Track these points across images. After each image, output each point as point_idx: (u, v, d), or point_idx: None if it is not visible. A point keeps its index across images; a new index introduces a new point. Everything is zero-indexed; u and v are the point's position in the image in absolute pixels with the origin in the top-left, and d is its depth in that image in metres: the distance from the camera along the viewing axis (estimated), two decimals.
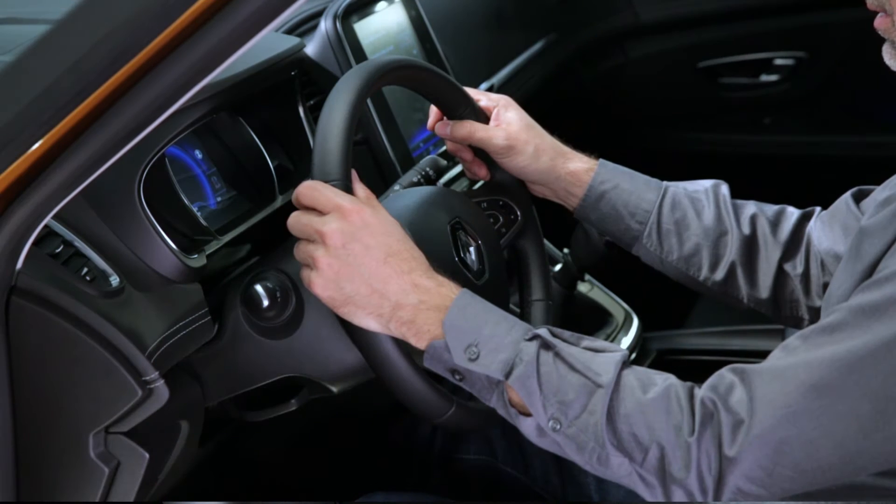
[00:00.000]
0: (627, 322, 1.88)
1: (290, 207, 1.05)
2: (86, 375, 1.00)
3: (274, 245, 1.21)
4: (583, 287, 1.86)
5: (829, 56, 2.42)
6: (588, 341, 1.03)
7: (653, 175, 1.33)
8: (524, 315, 1.33)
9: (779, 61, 2.48)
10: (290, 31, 1.56)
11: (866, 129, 2.48)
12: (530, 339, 1.00)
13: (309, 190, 1.02)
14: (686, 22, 2.49)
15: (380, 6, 1.62)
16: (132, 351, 1.00)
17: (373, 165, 1.53)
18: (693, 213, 1.30)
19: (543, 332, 1.01)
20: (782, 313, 1.31)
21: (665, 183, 1.33)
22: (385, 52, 1.59)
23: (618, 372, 0.98)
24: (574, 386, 0.98)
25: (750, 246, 1.29)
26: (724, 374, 0.98)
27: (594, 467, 0.99)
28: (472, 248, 1.21)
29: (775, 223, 1.30)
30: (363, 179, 1.07)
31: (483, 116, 1.30)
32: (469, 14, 1.99)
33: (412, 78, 1.23)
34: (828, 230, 1.26)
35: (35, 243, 0.94)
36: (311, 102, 1.42)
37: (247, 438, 1.46)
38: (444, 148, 1.39)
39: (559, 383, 0.98)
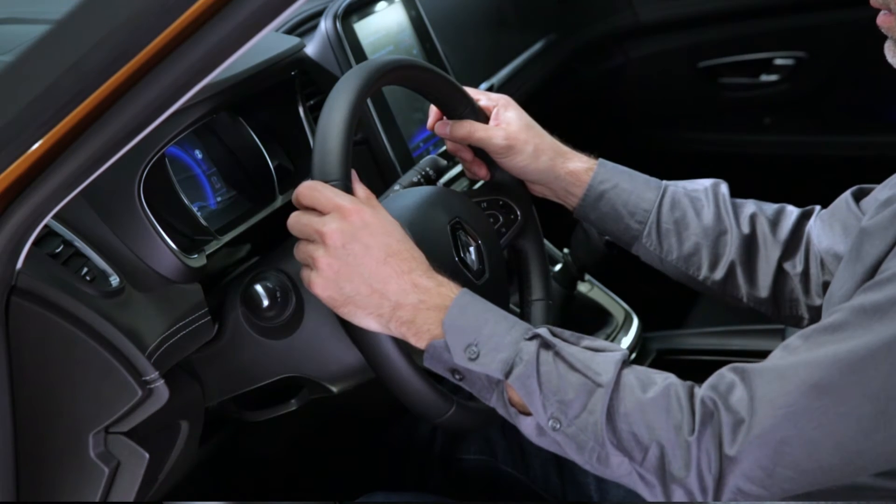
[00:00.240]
0: (627, 322, 1.88)
1: (290, 207, 1.05)
2: (86, 375, 1.00)
3: (274, 245, 1.21)
4: (583, 287, 1.86)
5: (829, 56, 2.42)
6: (588, 341, 1.03)
7: (653, 175, 1.33)
8: (524, 315, 1.33)
9: (779, 61, 2.48)
10: (290, 31, 1.56)
11: (866, 129, 2.48)
12: (530, 339, 1.00)
13: (309, 190, 1.02)
14: (686, 22, 2.49)
15: (380, 6, 1.62)
16: (132, 351, 1.00)
17: (373, 165, 1.53)
18: (692, 213, 1.30)
19: (543, 331, 1.01)
20: (782, 312, 1.31)
21: (664, 182, 1.33)
22: (385, 52, 1.59)
23: (618, 371, 0.98)
24: (574, 385, 0.98)
25: (749, 245, 1.29)
26: (725, 374, 0.97)
27: (594, 467, 0.99)
28: (472, 248, 1.21)
29: (775, 222, 1.30)
30: (363, 179, 1.07)
31: (483, 116, 1.30)
32: (469, 14, 1.99)
33: (412, 78, 1.23)
34: (827, 229, 1.26)
35: (35, 243, 0.94)
36: (311, 102, 1.42)
37: (247, 438, 1.46)
38: (444, 148, 1.39)
39: (559, 382, 0.98)
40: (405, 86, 1.25)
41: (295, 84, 1.39)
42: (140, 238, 1.08)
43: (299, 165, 1.36)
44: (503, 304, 1.29)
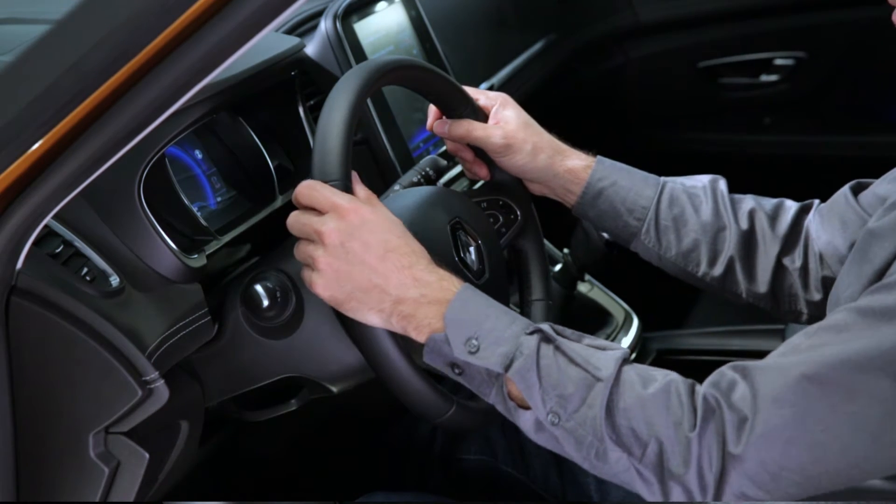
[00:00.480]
0: (627, 322, 1.88)
1: (290, 207, 1.05)
2: (86, 375, 1.00)
3: (274, 245, 1.21)
4: (583, 287, 1.86)
5: (829, 56, 2.42)
6: (589, 339, 1.02)
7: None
8: (524, 315, 1.33)
9: (779, 61, 2.48)
10: (290, 31, 1.56)
11: (866, 129, 2.48)
12: (531, 333, 1.00)
13: (307, 189, 1.02)
14: (686, 22, 2.49)
15: (380, 6, 1.62)
16: (132, 351, 1.00)
17: (373, 165, 1.53)
18: (691, 209, 1.30)
19: (545, 326, 1.01)
20: (781, 307, 1.31)
21: (663, 179, 1.33)
22: (385, 52, 1.59)
23: (618, 367, 0.97)
24: (573, 379, 0.97)
25: (748, 241, 1.29)
26: (725, 372, 0.97)
27: (592, 464, 0.98)
28: (471, 248, 1.21)
29: (773, 217, 1.30)
30: (363, 179, 1.07)
31: (482, 115, 1.30)
32: (469, 14, 1.99)
33: (412, 78, 1.23)
34: (826, 224, 1.26)
35: (35, 243, 0.94)
36: (311, 102, 1.42)
37: (247, 438, 1.46)
38: (444, 148, 1.39)
39: (559, 377, 0.98)
40: (405, 86, 1.25)
41: (295, 84, 1.39)
42: (140, 238, 1.08)
43: (299, 165, 1.36)
44: (503, 304, 1.29)
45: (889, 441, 0.90)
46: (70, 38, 0.88)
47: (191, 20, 0.84)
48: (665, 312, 2.01)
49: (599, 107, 2.63)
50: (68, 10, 0.87)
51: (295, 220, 1.04)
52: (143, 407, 1.01)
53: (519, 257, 1.35)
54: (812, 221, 1.29)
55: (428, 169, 1.38)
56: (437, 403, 1.09)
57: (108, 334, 1.00)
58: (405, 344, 1.08)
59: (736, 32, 2.48)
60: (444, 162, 1.41)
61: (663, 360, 1.87)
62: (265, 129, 1.35)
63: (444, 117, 1.30)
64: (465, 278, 1.17)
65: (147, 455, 1.03)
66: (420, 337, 1.02)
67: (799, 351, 0.94)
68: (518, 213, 1.32)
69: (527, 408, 1.00)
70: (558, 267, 1.78)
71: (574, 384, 0.97)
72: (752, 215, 1.30)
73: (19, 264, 0.94)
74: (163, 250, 1.09)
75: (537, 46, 2.20)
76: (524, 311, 1.34)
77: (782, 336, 1.67)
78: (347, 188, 1.05)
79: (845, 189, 1.26)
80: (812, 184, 1.39)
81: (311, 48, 1.50)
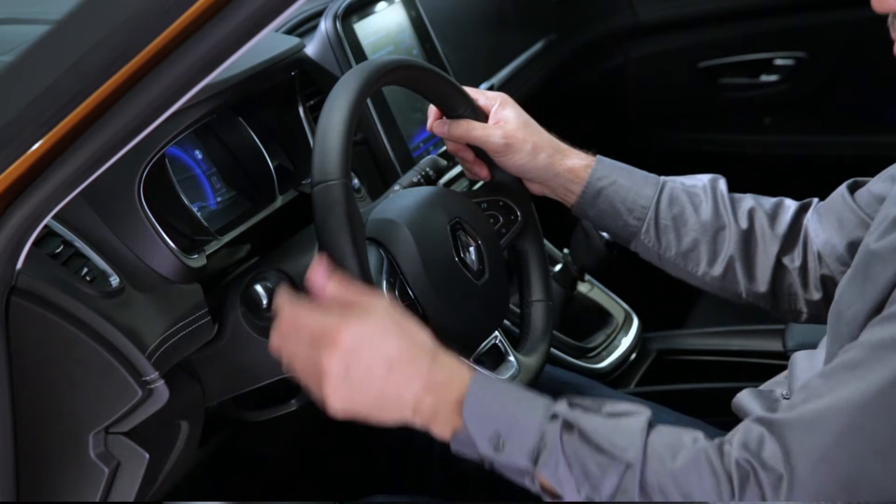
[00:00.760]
0: (627, 322, 1.88)
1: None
2: (86, 375, 1.00)
3: (274, 245, 1.21)
4: (583, 287, 1.87)
5: (829, 56, 2.42)
6: (609, 405, 0.99)
7: None
8: (524, 315, 1.33)
9: (779, 61, 2.48)
10: (290, 31, 1.56)
11: (866, 129, 2.47)
12: (552, 419, 0.97)
13: (291, 318, 0.99)
14: (686, 22, 2.49)
15: (380, 6, 1.62)
16: (132, 351, 1.00)
17: (373, 165, 1.53)
18: (691, 209, 1.30)
19: (563, 408, 0.97)
20: (780, 307, 1.31)
21: (663, 178, 1.33)
22: (385, 52, 1.59)
23: (644, 442, 0.95)
24: (603, 466, 0.95)
25: (748, 240, 1.29)
26: (752, 427, 0.95)
27: None
28: (471, 248, 1.21)
29: (773, 216, 1.30)
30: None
31: (483, 116, 1.30)
32: (469, 14, 1.99)
33: (412, 78, 1.23)
34: (824, 223, 1.26)
35: (35, 243, 0.94)
36: (311, 102, 1.42)
37: (247, 438, 1.46)
38: (444, 148, 1.39)
39: (587, 465, 0.96)
40: (405, 86, 1.25)
41: (295, 84, 1.39)
42: (140, 238, 1.08)
43: (299, 165, 1.36)
44: (503, 304, 1.30)
45: None
46: (70, 38, 0.88)
47: (191, 20, 0.84)
48: (665, 312, 2.01)
49: (599, 107, 2.63)
50: (68, 10, 0.87)
51: (293, 358, 0.99)
52: (143, 407, 1.01)
53: (519, 258, 1.35)
54: (810, 220, 1.29)
55: (428, 169, 1.38)
56: None
57: (108, 334, 1.00)
58: None
59: (736, 32, 2.48)
60: (444, 162, 1.41)
61: (663, 360, 1.87)
62: (265, 129, 1.35)
63: (443, 117, 1.30)
64: (465, 278, 1.18)
65: (147, 455, 1.03)
66: (445, 435, 1.00)
67: (819, 396, 0.93)
68: (518, 213, 1.32)
69: (560, 497, 0.98)
70: (558, 267, 1.78)
71: (603, 470, 0.95)
72: (751, 214, 1.30)
73: (19, 264, 0.94)
74: (163, 250, 1.09)
75: (537, 46, 2.20)
76: (524, 311, 1.34)
77: (782, 336, 1.67)
78: (348, 187, 1.05)
79: (842, 188, 1.26)
80: (812, 184, 1.39)
81: (311, 48, 1.50)
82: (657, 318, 1.94)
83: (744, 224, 1.29)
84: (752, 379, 1.32)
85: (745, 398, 1.20)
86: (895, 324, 0.92)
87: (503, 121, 1.28)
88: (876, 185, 1.22)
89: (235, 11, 0.84)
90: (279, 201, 1.31)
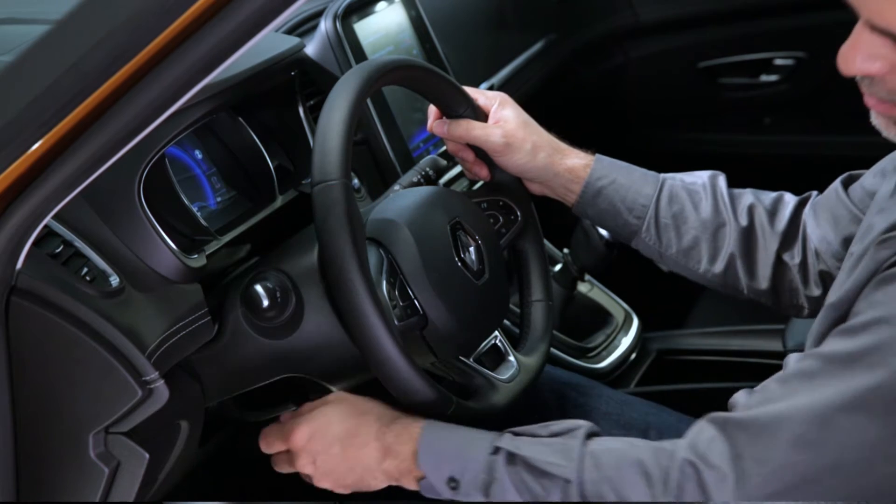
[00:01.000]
0: (627, 322, 1.88)
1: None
2: (86, 375, 1.00)
3: (274, 245, 1.21)
4: (583, 287, 1.86)
5: (829, 56, 2.41)
6: (555, 425, 1.08)
7: None
8: (524, 315, 1.33)
9: (779, 61, 2.47)
10: (290, 31, 1.56)
11: (866, 129, 2.47)
12: (495, 453, 1.06)
13: (264, 444, 1.19)
14: (686, 22, 2.48)
15: (380, 6, 1.62)
16: (132, 351, 1.00)
17: (373, 165, 1.53)
18: (690, 207, 1.30)
19: (505, 441, 1.06)
20: (782, 303, 1.31)
21: (662, 175, 1.33)
22: (385, 52, 1.59)
23: (581, 455, 1.03)
24: (546, 486, 1.04)
25: (748, 237, 1.30)
26: (704, 428, 0.99)
27: None
28: (471, 248, 1.21)
29: (773, 212, 1.31)
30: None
31: (483, 116, 1.30)
32: (469, 14, 1.99)
33: (412, 78, 1.23)
34: (820, 220, 1.27)
35: (35, 243, 0.94)
36: (311, 102, 1.42)
37: (247, 438, 1.46)
38: (444, 148, 1.39)
39: (533, 488, 1.04)
40: (405, 86, 1.25)
41: (295, 84, 1.39)
42: (140, 238, 1.08)
43: (299, 165, 1.36)
44: (503, 304, 1.30)
45: (866, 483, 0.92)
46: (70, 38, 0.88)
47: (191, 20, 0.84)
48: (665, 312, 2.01)
49: (599, 107, 2.63)
50: (68, 10, 0.87)
51: (281, 465, 1.20)
52: (143, 407, 1.01)
53: (519, 258, 1.35)
54: (808, 217, 1.29)
55: (428, 169, 1.38)
56: (437, 403, 1.09)
57: (108, 334, 0.99)
58: (405, 344, 1.08)
59: (736, 32, 2.47)
60: (444, 162, 1.41)
61: (663, 360, 1.87)
62: (265, 129, 1.35)
63: (443, 117, 1.30)
64: (464, 278, 1.18)
65: (147, 455, 1.03)
66: (414, 487, 1.11)
67: (773, 401, 0.96)
68: (518, 213, 1.32)
69: None
70: (558, 267, 1.78)
71: (547, 490, 1.04)
72: (751, 211, 1.30)
73: (19, 264, 0.94)
74: (163, 250, 1.09)
75: (537, 46, 2.20)
76: (524, 311, 1.34)
77: (782, 336, 1.67)
78: (347, 187, 1.05)
79: (836, 183, 1.27)
80: (812, 184, 1.39)
81: (311, 48, 1.50)
82: (657, 318, 1.94)
83: (743, 221, 1.29)
84: (752, 379, 1.32)
85: (741, 398, 1.21)
86: (852, 339, 0.93)
87: (503, 120, 1.28)
88: (868, 179, 1.23)
89: (235, 11, 0.84)
90: (279, 201, 1.31)
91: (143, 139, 0.91)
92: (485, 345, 1.26)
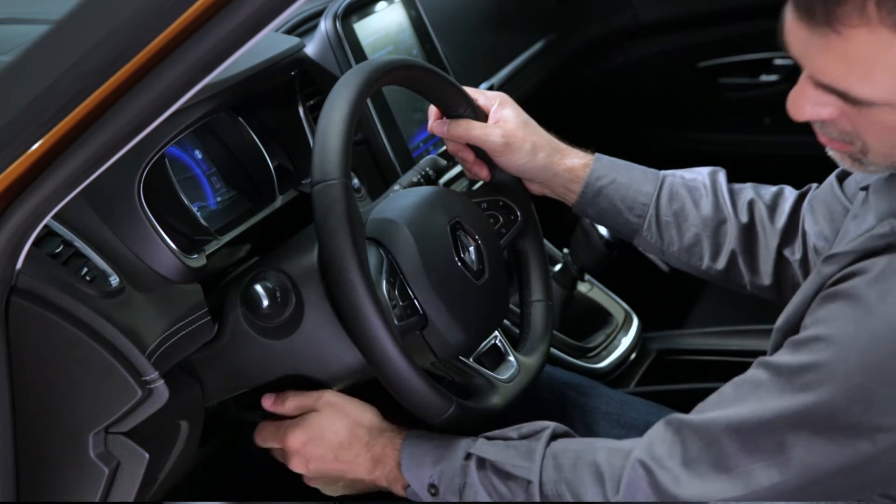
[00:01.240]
0: (627, 322, 1.88)
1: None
2: (86, 375, 1.00)
3: (274, 245, 1.21)
4: (583, 287, 1.86)
5: None
6: (526, 427, 1.14)
7: None
8: (524, 315, 1.33)
9: (779, 61, 2.47)
10: (290, 31, 1.56)
11: None
12: (467, 459, 1.12)
13: (260, 440, 1.22)
14: (686, 22, 2.48)
15: (380, 6, 1.62)
16: (132, 351, 1.00)
17: (373, 165, 1.53)
18: (691, 204, 1.30)
19: (478, 445, 1.12)
20: (785, 298, 1.31)
21: (662, 173, 1.33)
22: (385, 52, 1.59)
23: (542, 456, 1.09)
24: (512, 488, 1.10)
25: (749, 234, 1.30)
26: (660, 428, 1.04)
27: None
28: (471, 248, 1.21)
29: (773, 208, 1.31)
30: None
31: (483, 116, 1.30)
32: (469, 14, 1.99)
33: (412, 78, 1.23)
34: (817, 216, 1.27)
35: (35, 243, 0.94)
36: (311, 102, 1.42)
37: (247, 438, 1.46)
38: (444, 148, 1.39)
39: (500, 490, 1.10)
40: (405, 86, 1.25)
41: (295, 84, 1.39)
42: (140, 238, 1.08)
43: (299, 165, 1.36)
44: (503, 304, 1.30)
45: (817, 491, 0.95)
46: (70, 38, 0.88)
47: (191, 20, 0.84)
48: (665, 312, 2.00)
49: (599, 107, 2.63)
50: (68, 10, 0.87)
51: (272, 452, 1.23)
52: (143, 407, 1.01)
53: (519, 258, 1.35)
54: (805, 213, 1.29)
55: (428, 169, 1.38)
56: (437, 403, 1.09)
57: (108, 334, 0.99)
58: (405, 344, 1.08)
59: (736, 32, 2.47)
60: (444, 162, 1.41)
61: (663, 360, 1.87)
62: (265, 129, 1.35)
63: (443, 117, 1.30)
64: (464, 278, 1.18)
65: (147, 455, 1.03)
66: (402, 494, 1.16)
67: (724, 405, 1.00)
68: (518, 213, 1.32)
69: None
70: (558, 267, 1.78)
71: (513, 491, 1.09)
72: (751, 207, 1.30)
73: (19, 264, 0.94)
74: (163, 250, 1.09)
75: (537, 46, 2.20)
76: (524, 311, 1.34)
77: None
78: (347, 186, 1.05)
79: (831, 178, 1.27)
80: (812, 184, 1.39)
81: (311, 48, 1.50)
82: (657, 318, 1.94)
83: (744, 218, 1.29)
84: None
85: (710, 398, 1.22)
86: (796, 353, 0.96)
87: (502, 120, 1.28)
88: (859, 174, 1.23)
89: (235, 11, 0.84)
90: (279, 201, 1.31)
91: (143, 139, 0.91)
92: (485, 345, 1.26)
